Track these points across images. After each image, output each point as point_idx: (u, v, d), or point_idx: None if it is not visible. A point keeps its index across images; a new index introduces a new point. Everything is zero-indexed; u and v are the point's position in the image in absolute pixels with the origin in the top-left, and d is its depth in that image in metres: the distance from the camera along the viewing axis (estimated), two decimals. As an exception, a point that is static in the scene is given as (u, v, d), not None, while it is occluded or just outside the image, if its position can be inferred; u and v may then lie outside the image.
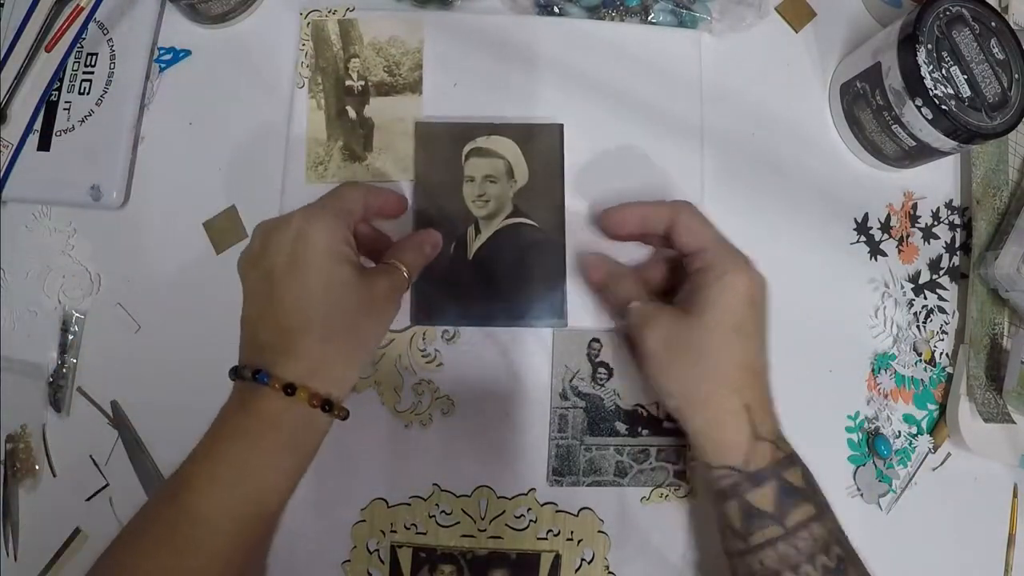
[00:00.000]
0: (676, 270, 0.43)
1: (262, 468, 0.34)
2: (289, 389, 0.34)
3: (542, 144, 0.48)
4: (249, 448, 0.34)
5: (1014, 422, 0.49)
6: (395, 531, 0.45)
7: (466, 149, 0.47)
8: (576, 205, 0.47)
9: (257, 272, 0.36)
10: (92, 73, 0.49)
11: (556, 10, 0.50)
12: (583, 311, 0.46)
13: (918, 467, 0.49)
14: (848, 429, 0.49)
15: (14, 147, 0.47)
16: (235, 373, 0.36)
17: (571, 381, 0.45)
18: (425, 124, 0.48)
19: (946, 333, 0.51)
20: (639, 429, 0.45)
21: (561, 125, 0.48)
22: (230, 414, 0.35)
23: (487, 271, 0.46)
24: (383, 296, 0.37)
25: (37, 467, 0.47)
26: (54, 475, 0.47)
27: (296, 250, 0.35)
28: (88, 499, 0.47)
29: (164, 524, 0.33)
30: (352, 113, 0.49)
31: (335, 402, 0.35)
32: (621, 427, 0.45)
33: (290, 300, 0.35)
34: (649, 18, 0.51)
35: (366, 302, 0.36)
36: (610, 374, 0.46)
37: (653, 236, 0.42)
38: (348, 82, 0.49)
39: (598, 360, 0.46)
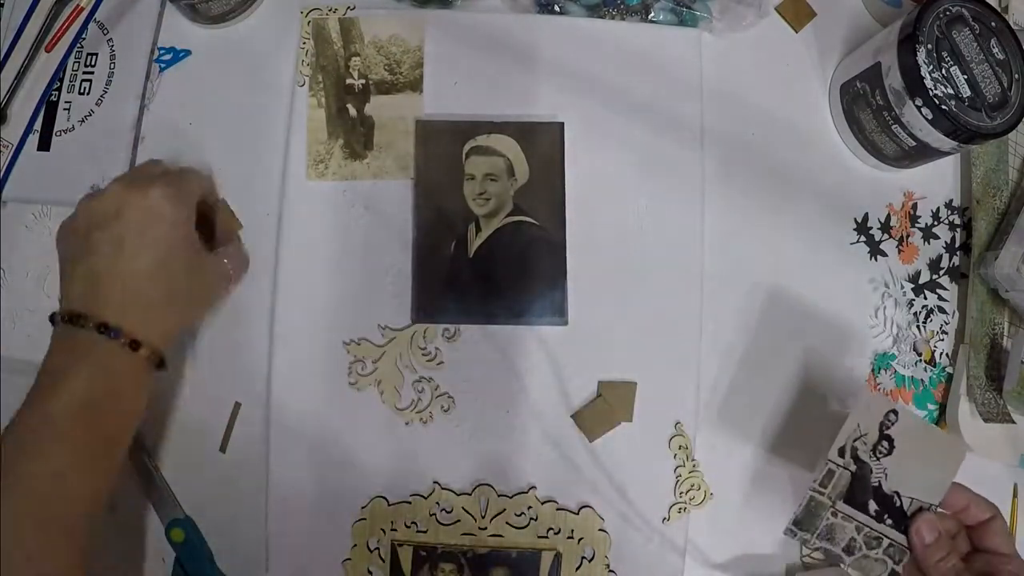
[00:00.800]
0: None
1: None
2: (103, 328, 0.37)
3: (542, 142, 0.48)
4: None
5: (1014, 422, 0.49)
6: (395, 529, 0.45)
7: (466, 147, 0.47)
8: (576, 203, 0.47)
9: (105, 234, 0.38)
10: (92, 73, 0.49)
11: (557, 8, 0.51)
12: (582, 309, 0.46)
13: (918, 467, 0.49)
14: (848, 429, 0.49)
15: (14, 147, 0.47)
16: (67, 320, 0.38)
17: (855, 442, 0.43)
18: (426, 122, 0.48)
19: (946, 333, 0.51)
20: (886, 516, 0.43)
21: (562, 123, 0.48)
22: (52, 355, 0.38)
23: (488, 269, 0.46)
24: (214, 283, 0.44)
25: (37, 467, 0.47)
26: (54, 475, 0.47)
27: (147, 220, 0.39)
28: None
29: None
30: (353, 111, 0.49)
31: (143, 342, 0.38)
32: (872, 507, 0.43)
33: (137, 265, 0.38)
34: (649, 16, 0.51)
35: (201, 282, 0.42)
36: (890, 451, 0.43)
37: (959, 517, 0.44)
38: (349, 80, 0.49)
39: (887, 433, 0.44)
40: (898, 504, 0.43)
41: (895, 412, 0.43)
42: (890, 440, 0.43)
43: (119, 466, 0.39)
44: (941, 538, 0.42)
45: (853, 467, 0.43)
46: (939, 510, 0.42)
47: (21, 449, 0.35)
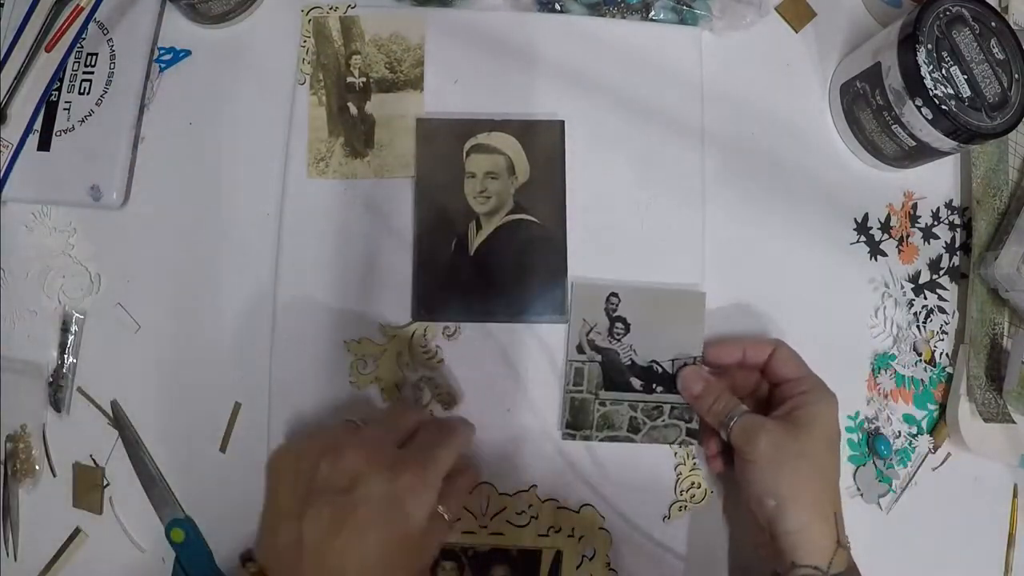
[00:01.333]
0: (739, 393, 0.45)
1: None
2: None
3: (543, 140, 0.48)
4: None
5: (1014, 422, 0.49)
6: (395, 530, 0.45)
7: (467, 145, 0.47)
8: (577, 201, 0.47)
9: (326, 506, 0.34)
10: (92, 73, 0.49)
11: (557, 7, 0.51)
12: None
13: (918, 467, 0.49)
14: (848, 429, 0.49)
15: (14, 147, 0.47)
16: (244, 564, 0.35)
17: (588, 335, 0.46)
18: (426, 120, 0.48)
19: (946, 333, 0.51)
20: (654, 386, 0.46)
21: (562, 122, 0.48)
22: None
23: (488, 267, 0.46)
24: (431, 552, 0.38)
25: (37, 467, 0.47)
26: (54, 475, 0.47)
27: (381, 509, 0.34)
28: (88, 499, 0.46)
29: None
30: (353, 109, 0.49)
31: None
32: (636, 383, 0.46)
33: (349, 553, 0.33)
34: (650, 15, 0.51)
35: (416, 559, 0.36)
36: (627, 329, 0.46)
37: (749, 365, 0.45)
38: (349, 79, 0.49)
39: (616, 315, 0.46)
40: (660, 371, 0.45)
41: (615, 294, 0.45)
42: (623, 320, 0.46)
43: None
44: (709, 385, 0.44)
45: (598, 357, 0.45)
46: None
47: None
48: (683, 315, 0.46)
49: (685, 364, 0.45)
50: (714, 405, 0.43)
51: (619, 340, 0.46)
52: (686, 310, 0.46)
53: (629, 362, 0.46)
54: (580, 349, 0.46)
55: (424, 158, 0.47)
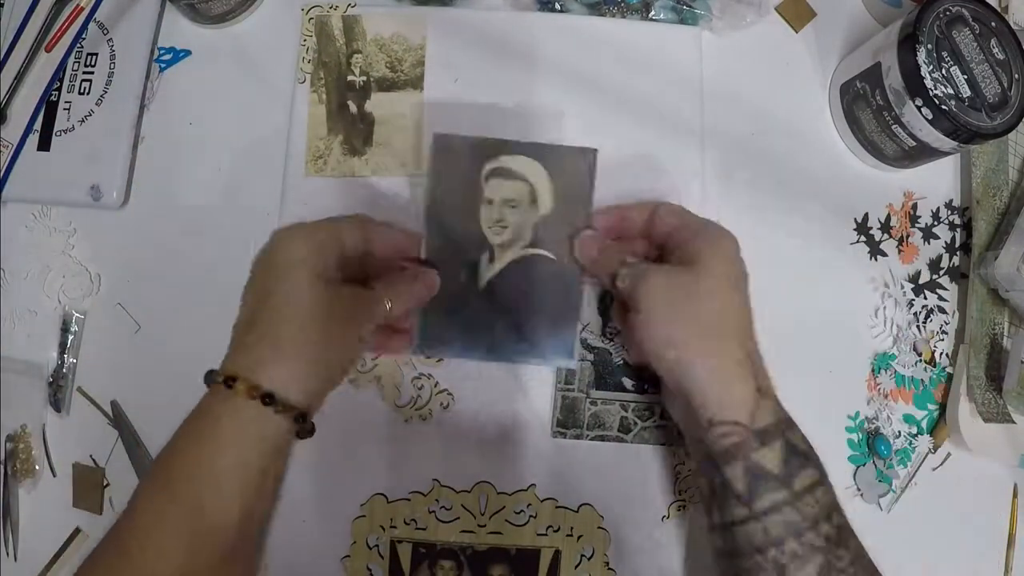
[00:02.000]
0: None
1: (205, 475, 0.34)
2: (229, 381, 0.34)
3: (571, 170, 0.43)
4: (194, 452, 0.34)
5: (1014, 422, 0.49)
6: (395, 526, 0.45)
7: (487, 168, 0.43)
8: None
9: (251, 285, 0.37)
10: (92, 73, 0.49)
11: (557, 6, 0.51)
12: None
13: (918, 467, 0.49)
14: (848, 429, 0.49)
15: (14, 147, 0.47)
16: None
17: (581, 333, 0.45)
18: (444, 136, 0.43)
19: (946, 333, 0.51)
20: (645, 386, 0.45)
21: (595, 150, 0.43)
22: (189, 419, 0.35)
23: (498, 303, 0.43)
24: (353, 319, 0.37)
25: (37, 467, 0.47)
26: (54, 475, 0.47)
27: (275, 261, 0.36)
28: (88, 499, 0.47)
29: (116, 547, 0.33)
30: (353, 108, 0.49)
31: (282, 400, 0.34)
32: (628, 383, 0.45)
33: (260, 307, 0.35)
34: (650, 15, 0.51)
35: (336, 320, 0.36)
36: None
37: (632, 234, 0.42)
38: (350, 77, 0.49)
39: (609, 314, 0.45)
40: (652, 372, 0.43)
41: (608, 293, 0.44)
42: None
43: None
44: (607, 247, 0.41)
45: (590, 356, 0.45)
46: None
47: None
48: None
49: (586, 231, 0.42)
50: (608, 263, 0.39)
51: (611, 339, 0.45)
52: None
53: (621, 362, 0.45)
54: None
55: (438, 177, 0.43)
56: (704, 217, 0.40)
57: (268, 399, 0.33)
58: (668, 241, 0.40)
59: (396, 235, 0.42)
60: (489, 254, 0.43)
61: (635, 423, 0.45)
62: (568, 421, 0.45)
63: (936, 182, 0.52)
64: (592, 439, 0.45)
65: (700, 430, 0.35)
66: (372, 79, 0.49)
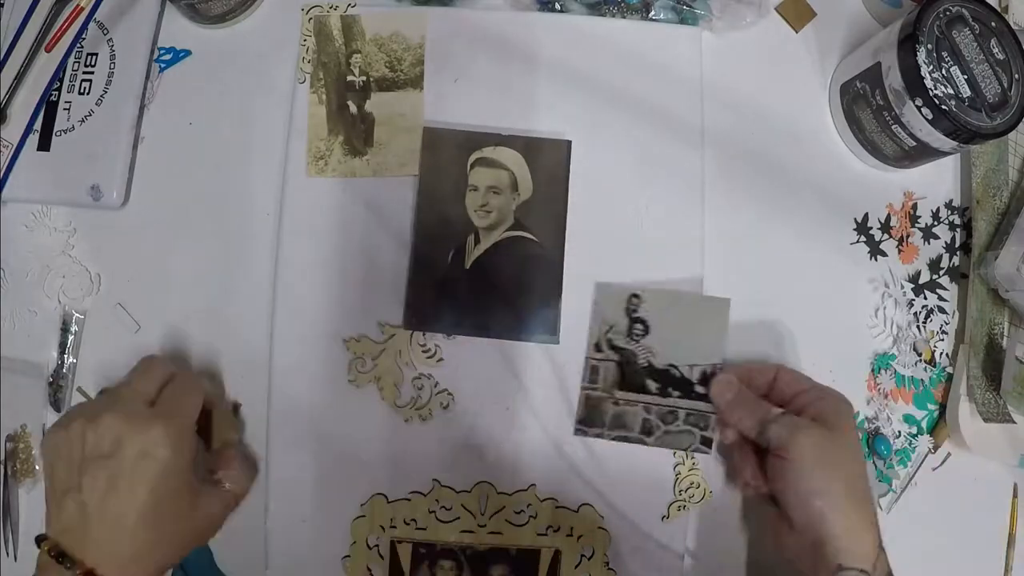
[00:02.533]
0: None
1: None
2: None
3: (548, 159, 0.47)
4: None
5: (1014, 422, 0.49)
6: (395, 526, 0.45)
7: (472, 158, 0.47)
8: (576, 202, 0.47)
9: (100, 471, 0.37)
10: (92, 73, 0.49)
11: (557, 7, 0.51)
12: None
13: (918, 467, 0.49)
14: (848, 429, 0.49)
15: (14, 147, 0.47)
16: (38, 544, 0.37)
17: (607, 334, 0.46)
18: (432, 130, 0.48)
19: (946, 333, 0.51)
20: (669, 390, 0.45)
21: (569, 142, 0.48)
22: None
23: (483, 282, 0.46)
24: (212, 519, 0.41)
25: (37, 467, 0.47)
26: (54, 475, 0.47)
27: (144, 463, 0.37)
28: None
29: None
30: (353, 108, 0.49)
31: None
32: (652, 385, 0.45)
33: (128, 509, 0.36)
34: (650, 15, 0.51)
35: (194, 525, 0.40)
36: (646, 331, 0.46)
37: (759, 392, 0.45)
38: (350, 77, 0.49)
39: (636, 316, 0.46)
40: (679, 375, 0.45)
41: (636, 295, 0.45)
42: (643, 322, 0.46)
43: None
44: (742, 392, 0.44)
45: (615, 356, 0.45)
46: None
47: None
48: (706, 321, 0.45)
49: (715, 371, 0.45)
50: (746, 412, 0.43)
51: (638, 341, 0.45)
52: (709, 316, 0.46)
53: (646, 364, 0.45)
54: (598, 347, 0.46)
55: (428, 166, 0.47)
56: (819, 383, 0.43)
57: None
58: (793, 402, 0.43)
59: (210, 393, 0.45)
60: (475, 236, 0.47)
61: (658, 426, 0.45)
62: (590, 420, 0.45)
63: (936, 182, 0.52)
64: (613, 439, 0.45)
65: (823, 571, 0.39)
66: (372, 79, 0.49)
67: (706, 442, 0.45)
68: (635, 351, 0.45)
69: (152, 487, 0.37)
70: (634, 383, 0.45)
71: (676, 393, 0.45)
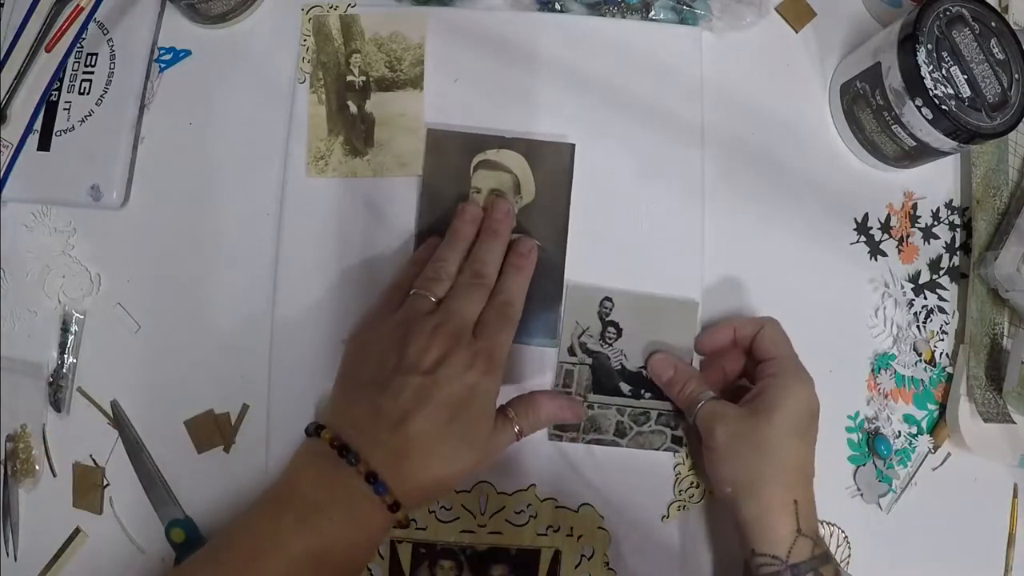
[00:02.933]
0: (728, 375, 0.46)
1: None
2: (371, 477, 0.35)
3: (551, 163, 0.47)
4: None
5: (1014, 422, 0.49)
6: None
7: (475, 160, 0.47)
8: (576, 203, 0.47)
9: (411, 379, 0.37)
10: (92, 73, 0.49)
11: (557, 6, 0.51)
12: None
13: (918, 467, 0.49)
14: (848, 429, 0.49)
15: (14, 147, 0.47)
16: (317, 433, 0.37)
17: (580, 337, 0.46)
18: (436, 131, 0.48)
19: (946, 333, 0.51)
20: (642, 392, 0.46)
21: (573, 145, 0.48)
22: (308, 482, 0.37)
23: None
24: (495, 451, 0.41)
25: (37, 467, 0.47)
26: (54, 475, 0.47)
27: (465, 396, 0.38)
28: (88, 499, 0.46)
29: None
30: (353, 108, 0.49)
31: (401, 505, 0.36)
32: (625, 388, 0.46)
33: (423, 425, 0.37)
34: (650, 15, 0.51)
35: (479, 456, 0.39)
36: (619, 334, 0.46)
37: (741, 345, 0.45)
38: (349, 77, 0.49)
39: (609, 319, 0.46)
40: (649, 378, 0.46)
41: (609, 298, 0.46)
42: (615, 325, 0.46)
43: None
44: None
45: (589, 360, 0.46)
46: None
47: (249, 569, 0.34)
48: (676, 323, 0.46)
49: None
50: (683, 390, 0.44)
51: (610, 344, 0.46)
52: (679, 318, 0.46)
53: (619, 367, 0.46)
54: (571, 351, 0.46)
55: (431, 168, 0.47)
56: (797, 358, 0.43)
57: (379, 486, 0.35)
58: (758, 369, 0.44)
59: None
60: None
61: (630, 427, 0.46)
62: (565, 424, 0.45)
63: (936, 182, 0.52)
64: (587, 442, 0.45)
65: (745, 552, 0.40)
66: (371, 79, 0.49)
67: (677, 441, 0.46)
68: (608, 354, 0.46)
69: (458, 416, 0.37)
70: (607, 386, 0.46)
71: (648, 395, 0.46)
